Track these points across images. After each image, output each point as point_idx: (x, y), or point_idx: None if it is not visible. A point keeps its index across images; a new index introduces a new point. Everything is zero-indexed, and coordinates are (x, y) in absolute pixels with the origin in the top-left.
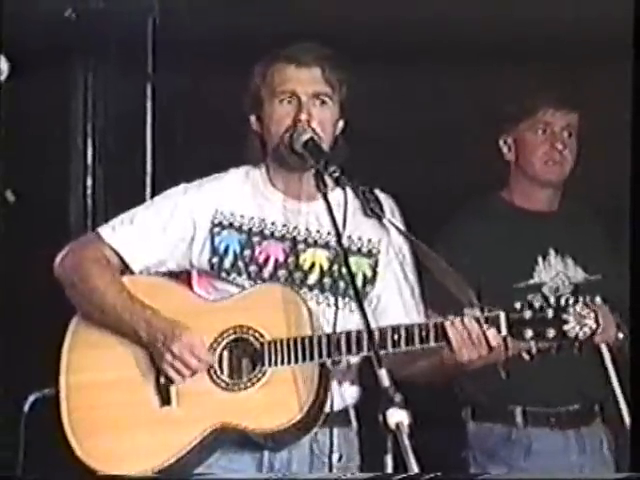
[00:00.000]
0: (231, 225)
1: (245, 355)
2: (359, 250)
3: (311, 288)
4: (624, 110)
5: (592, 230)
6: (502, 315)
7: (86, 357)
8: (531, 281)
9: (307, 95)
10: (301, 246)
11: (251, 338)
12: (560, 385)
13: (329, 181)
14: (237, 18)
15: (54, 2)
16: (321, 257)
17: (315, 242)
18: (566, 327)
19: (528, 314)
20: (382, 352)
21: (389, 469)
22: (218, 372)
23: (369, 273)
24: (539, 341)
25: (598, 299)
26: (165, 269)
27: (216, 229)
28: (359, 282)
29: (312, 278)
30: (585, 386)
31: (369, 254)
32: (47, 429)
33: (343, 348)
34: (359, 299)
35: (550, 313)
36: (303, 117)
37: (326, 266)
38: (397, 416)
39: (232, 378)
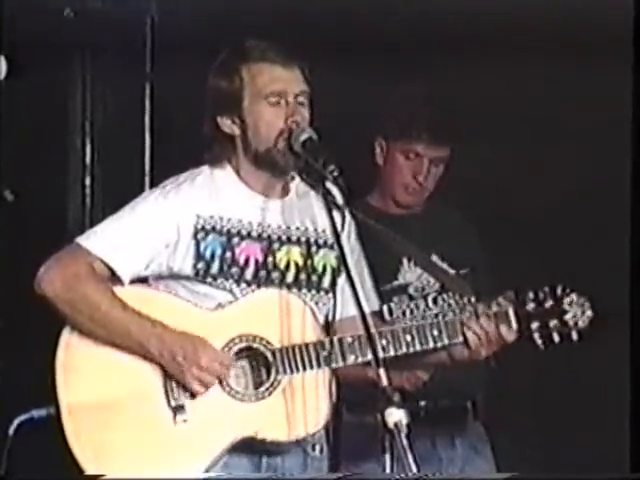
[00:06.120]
0: (214, 229)
1: (256, 364)
2: (325, 243)
3: (290, 287)
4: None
5: (458, 227)
6: (511, 310)
7: (87, 375)
8: (395, 283)
9: (293, 95)
10: (276, 244)
11: (260, 346)
12: (431, 380)
13: (296, 176)
14: (236, 16)
15: (53, 1)
16: (295, 254)
17: (288, 239)
18: (567, 316)
19: (532, 306)
20: (398, 354)
21: (387, 469)
22: (232, 383)
23: (335, 265)
24: (543, 332)
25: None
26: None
27: (200, 234)
28: (328, 275)
29: (289, 276)
30: (457, 382)
31: (332, 246)
32: (36, 454)
33: (357, 352)
34: (356, 294)
35: (550, 303)
36: (298, 118)
37: (301, 262)
38: (395, 416)
39: (246, 388)
